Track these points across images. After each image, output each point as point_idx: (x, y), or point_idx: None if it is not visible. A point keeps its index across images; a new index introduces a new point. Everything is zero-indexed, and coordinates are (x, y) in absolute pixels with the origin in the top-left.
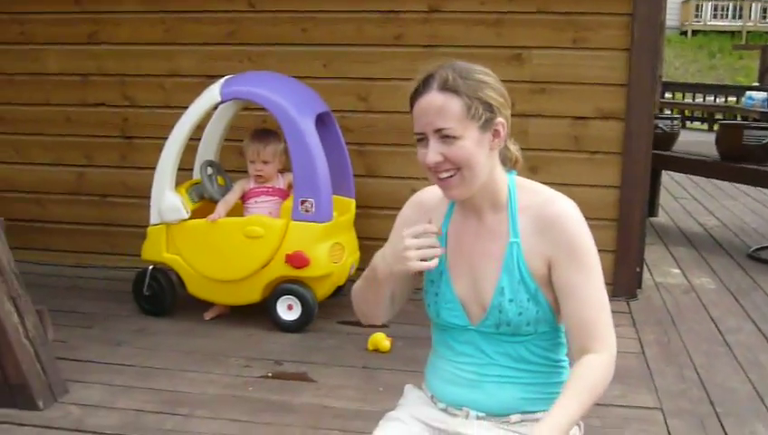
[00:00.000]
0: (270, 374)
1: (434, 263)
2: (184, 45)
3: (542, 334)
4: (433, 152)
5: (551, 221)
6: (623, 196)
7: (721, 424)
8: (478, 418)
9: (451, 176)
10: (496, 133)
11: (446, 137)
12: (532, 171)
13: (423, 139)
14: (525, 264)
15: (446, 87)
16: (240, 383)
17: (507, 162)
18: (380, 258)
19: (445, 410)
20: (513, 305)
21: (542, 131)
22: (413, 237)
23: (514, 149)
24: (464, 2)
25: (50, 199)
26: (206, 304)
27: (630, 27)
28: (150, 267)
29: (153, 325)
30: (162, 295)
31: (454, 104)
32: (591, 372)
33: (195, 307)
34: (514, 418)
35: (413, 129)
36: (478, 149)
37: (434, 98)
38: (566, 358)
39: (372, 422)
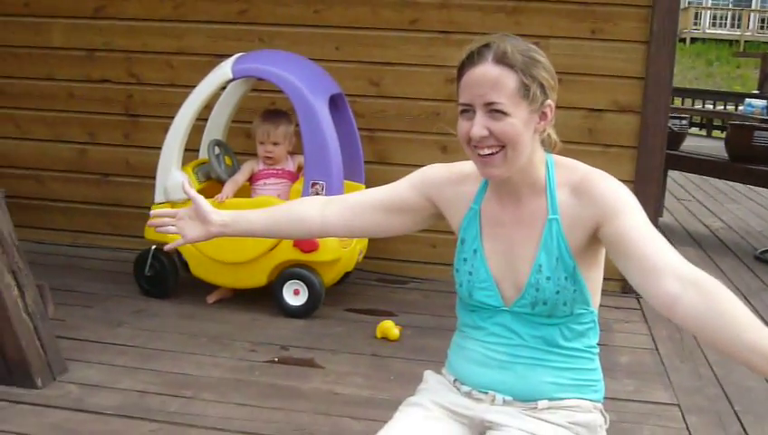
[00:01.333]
0: (276, 359)
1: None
2: (193, 23)
3: (577, 316)
4: (479, 126)
5: (589, 187)
6: (636, 190)
7: (740, 422)
8: (505, 402)
9: (493, 153)
10: (543, 116)
11: (495, 111)
12: None
13: (468, 110)
14: (565, 239)
15: (503, 60)
16: (246, 367)
17: (546, 145)
18: None
19: (469, 395)
20: (550, 283)
21: (556, 122)
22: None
23: (554, 133)
24: None
25: (50, 176)
26: (209, 287)
27: (650, 20)
28: (153, 247)
29: (154, 307)
30: (164, 276)
31: (509, 80)
32: (723, 294)
33: (197, 290)
34: (542, 404)
35: (458, 99)
36: (525, 130)
37: (489, 70)
38: (597, 346)
39: (383, 410)
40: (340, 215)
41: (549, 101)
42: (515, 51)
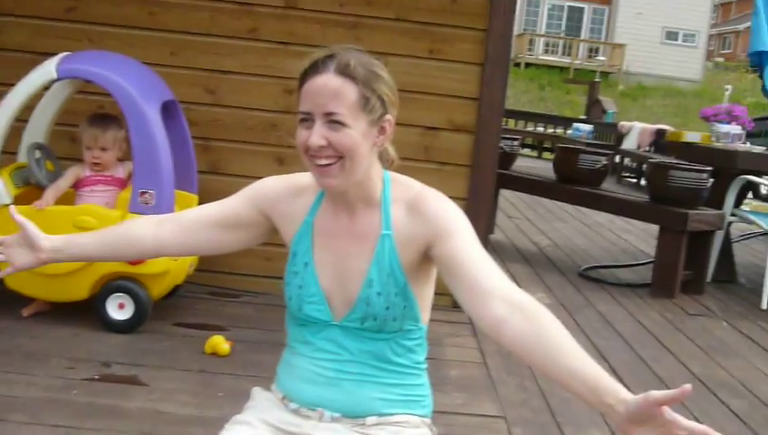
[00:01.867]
0: (97, 377)
1: None
2: (14, 17)
3: (407, 332)
4: (317, 135)
5: (423, 206)
6: (469, 208)
7: (561, 432)
8: (333, 419)
9: (331, 164)
10: (382, 130)
11: (334, 122)
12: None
13: (307, 119)
14: (397, 256)
15: (345, 72)
16: (63, 386)
17: (384, 160)
18: None
19: (297, 412)
20: (381, 299)
21: (394, 139)
22: None
23: (392, 150)
24: (322, 1)
25: None
26: (26, 300)
27: (485, 43)
28: None
29: None
30: None
31: (350, 91)
32: (547, 320)
33: (12, 303)
34: (371, 420)
35: (298, 107)
36: (363, 142)
37: (331, 80)
38: (425, 362)
39: (211, 428)
40: (173, 234)
41: (388, 116)
42: (358, 64)
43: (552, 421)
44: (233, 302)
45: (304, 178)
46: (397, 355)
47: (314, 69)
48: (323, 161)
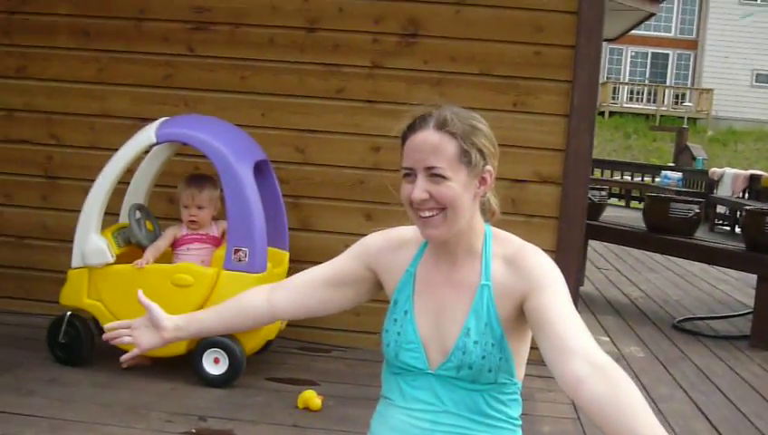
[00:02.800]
0: (194, 431)
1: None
2: (117, 86)
3: (501, 386)
4: (419, 189)
5: (522, 260)
6: (558, 260)
7: None
8: None
9: (433, 215)
10: (483, 181)
11: (435, 176)
12: None
13: (410, 174)
14: (495, 307)
15: (443, 127)
16: None
17: (485, 213)
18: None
19: None
20: (477, 347)
21: None
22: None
23: (494, 201)
24: (407, 60)
25: None
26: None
27: (570, 94)
28: (68, 313)
29: (68, 375)
30: (79, 344)
31: (449, 145)
32: (625, 385)
33: (113, 358)
34: None
35: (402, 163)
36: (464, 193)
37: (430, 136)
38: (520, 418)
39: None
40: (287, 298)
41: (488, 167)
42: (456, 118)
43: None
44: (323, 356)
45: (406, 232)
46: (491, 408)
47: (414, 126)
48: (427, 213)
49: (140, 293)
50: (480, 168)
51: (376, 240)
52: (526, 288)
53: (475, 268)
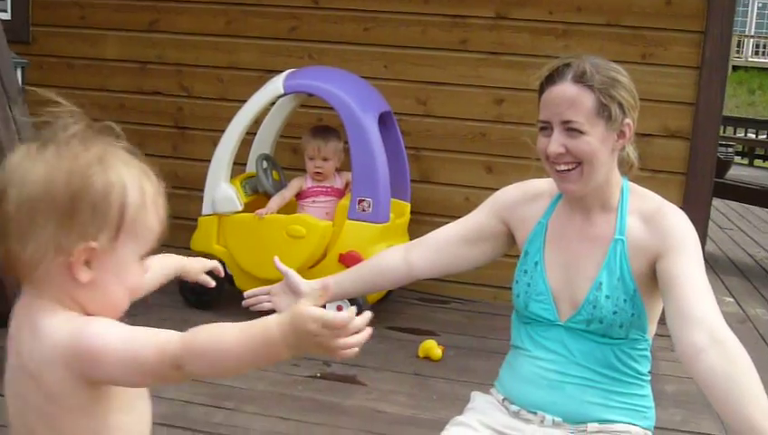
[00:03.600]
0: (319, 374)
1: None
2: (244, 38)
3: (632, 341)
4: (556, 143)
5: (660, 218)
6: None
7: None
8: (554, 423)
9: (570, 169)
10: (621, 134)
11: (572, 130)
12: None
13: (546, 127)
14: (628, 262)
15: (581, 80)
16: (289, 382)
17: (623, 165)
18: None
19: (517, 415)
20: (609, 302)
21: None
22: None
23: (633, 154)
24: (532, 10)
25: None
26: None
27: (701, 45)
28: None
29: (198, 318)
30: (209, 288)
31: (586, 99)
32: (744, 364)
33: (240, 303)
34: (592, 427)
35: (538, 116)
36: (602, 147)
37: (567, 89)
38: (649, 374)
39: (426, 430)
40: (423, 257)
41: (627, 120)
42: (594, 71)
43: None
44: (442, 308)
45: (541, 184)
46: (621, 363)
47: (551, 79)
48: (563, 167)
49: (276, 260)
50: (619, 121)
51: (510, 192)
52: (662, 248)
53: (609, 222)
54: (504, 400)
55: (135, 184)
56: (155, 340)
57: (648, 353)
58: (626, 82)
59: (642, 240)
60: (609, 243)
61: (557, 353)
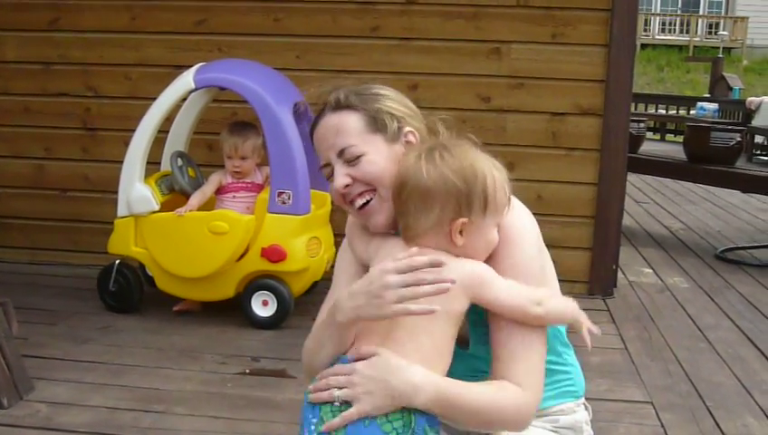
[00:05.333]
0: (248, 371)
1: (422, 309)
2: (151, 34)
3: None
4: (340, 175)
5: None
6: (600, 193)
7: (713, 417)
8: None
9: (368, 201)
10: (408, 144)
11: (350, 157)
12: (509, 167)
13: (328, 167)
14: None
15: (339, 106)
16: (218, 380)
17: None
18: (347, 298)
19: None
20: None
21: (519, 127)
22: (396, 273)
23: None
24: None
25: (7, 193)
26: (176, 301)
27: (609, 23)
28: (117, 262)
29: (120, 322)
30: (129, 291)
31: (351, 120)
32: (509, 393)
33: (163, 304)
34: None
35: (318, 165)
36: (389, 164)
37: (328, 120)
38: (566, 346)
39: None
40: None
41: (408, 128)
42: (351, 93)
43: (701, 406)
44: None
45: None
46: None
47: (314, 122)
48: (359, 201)
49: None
50: (398, 131)
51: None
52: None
53: None
54: None
55: (491, 174)
56: None
57: (557, 331)
58: (392, 95)
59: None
60: None
61: (470, 372)
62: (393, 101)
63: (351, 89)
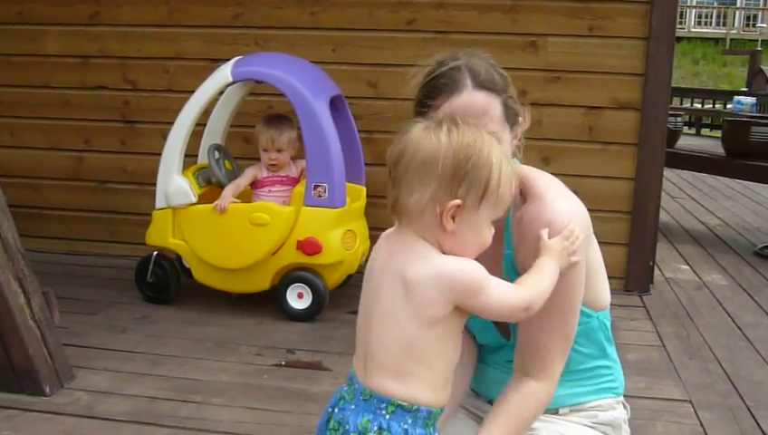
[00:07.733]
0: (284, 363)
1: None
2: (188, 27)
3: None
4: None
5: (526, 227)
6: (637, 187)
7: (753, 417)
8: None
9: None
10: (515, 134)
11: None
12: (544, 162)
13: None
14: (518, 273)
15: (483, 85)
16: (254, 371)
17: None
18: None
19: (490, 402)
20: None
21: (555, 121)
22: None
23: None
24: None
25: (46, 185)
26: (212, 292)
27: (648, 16)
28: (155, 253)
29: (157, 313)
30: (167, 282)
31: (494, 104)
32: (530, 402)
33: (200, 295)
34: (563, 411)
35: None
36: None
37: (474, 98)
38: (610, 343)
39: None
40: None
41: (520, 118)
42: (491, 69)
43: (741, 405)
44: None
45: None
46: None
47: (448, 87)
48: None
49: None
50: (516, 121)
51: None
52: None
53: (499, 235)
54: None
55: (498, 164)
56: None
57: (603, 324)
58: (507, 76)
59: (522, 254)
60: (502, 260)
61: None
62: (511, 84)
63: (489, 63)
